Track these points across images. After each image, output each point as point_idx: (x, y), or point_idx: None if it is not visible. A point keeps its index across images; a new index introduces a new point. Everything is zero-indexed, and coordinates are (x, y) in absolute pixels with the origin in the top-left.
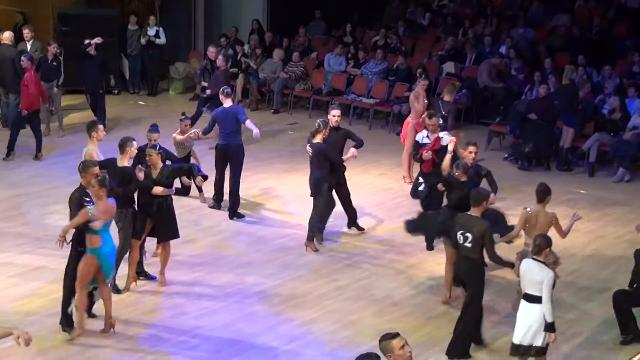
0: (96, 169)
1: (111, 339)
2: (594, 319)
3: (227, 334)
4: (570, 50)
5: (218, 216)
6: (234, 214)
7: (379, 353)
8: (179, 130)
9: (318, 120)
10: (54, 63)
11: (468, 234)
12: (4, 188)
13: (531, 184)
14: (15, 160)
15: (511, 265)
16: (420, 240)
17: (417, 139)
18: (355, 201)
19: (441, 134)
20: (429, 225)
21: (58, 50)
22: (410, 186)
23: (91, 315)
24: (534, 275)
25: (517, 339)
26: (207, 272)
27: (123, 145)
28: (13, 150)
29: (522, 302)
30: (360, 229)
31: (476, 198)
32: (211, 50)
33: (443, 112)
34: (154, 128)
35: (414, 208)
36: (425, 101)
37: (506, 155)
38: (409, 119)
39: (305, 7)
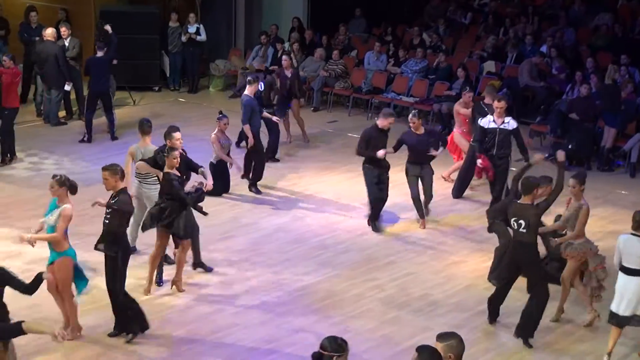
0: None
1: (148, 335)
2: None
3: (264, 331)
4: (612, 49)
5: (257, 213)
6: (254, 186)
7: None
8: (217, 130)
9: (414, 111)
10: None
11: (521, 221)
12: (44, 185)
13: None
14: (60, 155)
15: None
16: (459, 239)
17: (482, 124)
18: (393, 200)
19: (507, 119)
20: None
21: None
22: (447, 184)
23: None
24: (634, 249)
25: (615, 308)
26: (245, 269)
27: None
28: (8, 155)
29: (620, 274)
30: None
31: (527, 186)
32: (286, 60)
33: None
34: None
35: (453, 207)
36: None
37: (546, 155)
38: (454, 130)
39: (345, 5)
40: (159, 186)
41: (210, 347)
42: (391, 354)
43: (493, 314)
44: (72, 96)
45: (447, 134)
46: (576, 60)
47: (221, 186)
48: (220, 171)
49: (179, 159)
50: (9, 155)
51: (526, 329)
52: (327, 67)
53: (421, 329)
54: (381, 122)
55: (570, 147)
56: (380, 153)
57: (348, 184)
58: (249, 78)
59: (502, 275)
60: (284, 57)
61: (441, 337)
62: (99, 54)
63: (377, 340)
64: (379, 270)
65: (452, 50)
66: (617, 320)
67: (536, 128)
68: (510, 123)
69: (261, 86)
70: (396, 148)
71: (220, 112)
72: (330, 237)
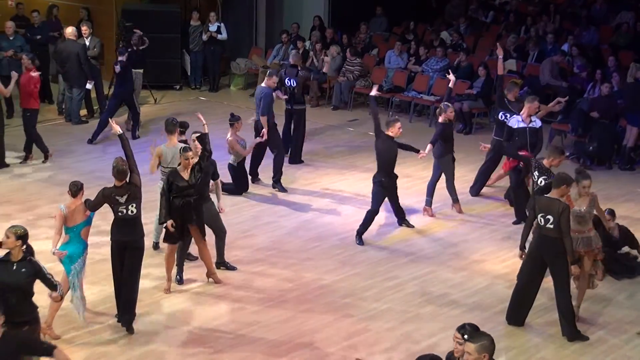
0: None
1: (169, 333)
2: None
3: (285, 329)
4: (634, 48)
5: (277, 212)
6: (277, 183)
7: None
8: (232, 132)
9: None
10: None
11: (549, 217)
12: (65, 183)
13: (592, 182)
14: (81, 154)
15: (576, 260)
16: (480, 238)
17: (510, 124)
18: (415, 199)
19: (533, 118)
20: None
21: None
22: (468, 182)
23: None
24: None
25: None
26: (266, 268)
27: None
28: (31, 153)
29: None
30: (410, 225)
31: (558, 180)
32: (295, 56)
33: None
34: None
35: (473, 206)
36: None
37: (568, 153)
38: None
39: (366, 3)
40: None
41: (230, 345)
42: (411, 353)
43: (517, 317)
44: (93, 95)
45: (467, 133)
46: (597, 59)
47: (241, 186)
48: (240, 172)
49: (190, 160)
50: (26, 153)
51: (570, 330)
52: (345, 67)
53: (441, 328)
54: (392, 131)
55: (591, 148)
56: (373, 92)
57: (368, 183)
58: (269, 71)
59: (524, 270)
60: (293, 51)
61: (472, 337)
62: (120, 58)
63: (397, 338)
64: (399, 268)
65: (473, 49)
66: None
67: (557, 127)
68: (537, 121)
69: (293, 82)
70: (435, 140)
71: (232, 115)
72: (350, 235)
